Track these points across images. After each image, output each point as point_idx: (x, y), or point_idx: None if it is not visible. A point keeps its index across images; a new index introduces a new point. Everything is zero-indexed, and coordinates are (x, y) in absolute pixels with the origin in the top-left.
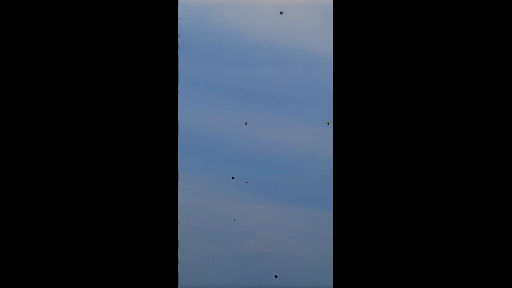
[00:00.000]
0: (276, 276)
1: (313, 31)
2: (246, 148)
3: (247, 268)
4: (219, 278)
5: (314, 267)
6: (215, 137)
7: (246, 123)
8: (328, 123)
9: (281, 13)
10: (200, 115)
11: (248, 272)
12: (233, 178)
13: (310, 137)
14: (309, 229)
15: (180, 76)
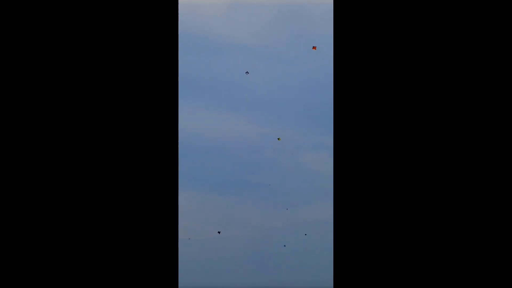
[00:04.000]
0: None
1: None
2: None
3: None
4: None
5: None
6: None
7: (247, 72)
8: (279, 139)
9: (247, 72)
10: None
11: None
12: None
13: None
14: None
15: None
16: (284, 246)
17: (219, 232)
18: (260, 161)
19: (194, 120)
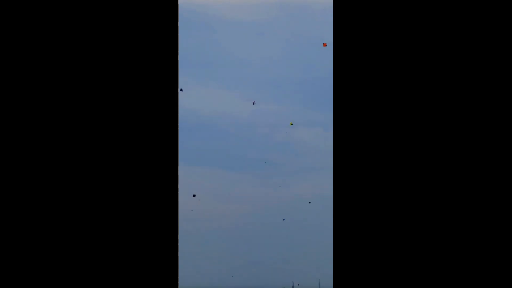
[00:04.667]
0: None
1: None
2: None
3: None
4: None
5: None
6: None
7: (253, 103)
8: (291, 124)
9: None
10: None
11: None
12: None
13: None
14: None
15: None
16: (284, 219)
17: (194, 196)
18: (253, 137)
19: (188, 97)
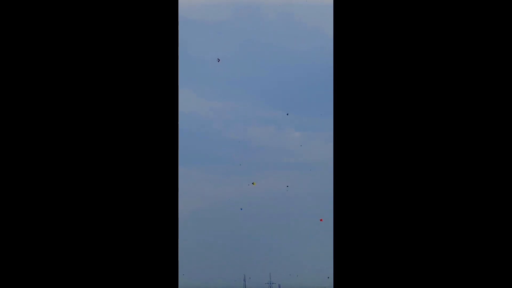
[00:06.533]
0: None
1: None
2: None
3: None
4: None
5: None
6: None
7: (218, 60)
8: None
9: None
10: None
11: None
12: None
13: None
14: None
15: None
16: (241, 209)
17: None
18: (208, 134)
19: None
